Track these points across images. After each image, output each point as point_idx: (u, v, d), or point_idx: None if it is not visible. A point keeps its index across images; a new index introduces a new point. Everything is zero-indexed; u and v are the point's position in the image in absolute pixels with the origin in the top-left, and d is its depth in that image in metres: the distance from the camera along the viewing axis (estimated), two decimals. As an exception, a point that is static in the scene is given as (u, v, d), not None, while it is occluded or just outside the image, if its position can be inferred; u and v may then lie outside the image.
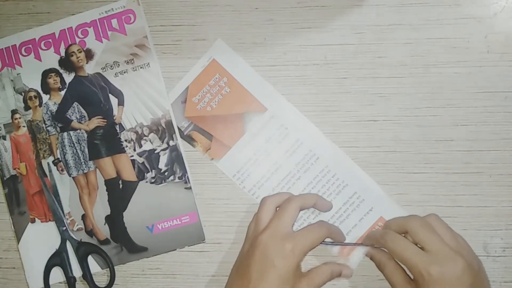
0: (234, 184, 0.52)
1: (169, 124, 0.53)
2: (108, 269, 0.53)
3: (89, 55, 0.54)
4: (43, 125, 0.55)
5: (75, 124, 0.54)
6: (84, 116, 0.54)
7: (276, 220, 0.46)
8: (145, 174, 0.53)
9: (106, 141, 0.54)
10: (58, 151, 0.54)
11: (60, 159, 0.54)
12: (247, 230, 0.49)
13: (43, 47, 0.55)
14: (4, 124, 0.55)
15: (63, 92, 0.55)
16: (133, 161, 0.54)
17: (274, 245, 0.44)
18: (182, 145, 0.53)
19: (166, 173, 0.53)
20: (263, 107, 0.52)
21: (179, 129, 0.53)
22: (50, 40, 0.55)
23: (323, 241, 0.47)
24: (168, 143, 0.53)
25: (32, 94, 0.55)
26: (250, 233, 0.48)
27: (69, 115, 0.54)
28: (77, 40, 0.54)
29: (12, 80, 0.55)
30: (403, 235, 0.45)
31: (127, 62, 0.54)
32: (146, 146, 0.54)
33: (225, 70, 0.53)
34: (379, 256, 0.47)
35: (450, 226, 0.45)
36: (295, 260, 0.44)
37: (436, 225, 0.44)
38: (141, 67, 0.54)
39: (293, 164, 0.52)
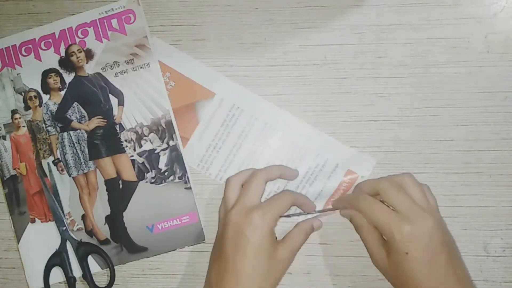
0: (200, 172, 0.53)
1: (169, 124, 0.53)
2: (108, 269, 0.53)
3: (89, 55, 0.54)
4: (43, 125, 0.55)
5: (75, 124, 0.54)
6: (84, 116, 0.54)
7: (242, 196, 0.47)
8: (145, 174, 0.53)
9: (106, 141, 0.54)
10: (58, 151, 0.54)
11: (60, 159, 0.54)
12: (218, 215, 0.49)
13: (43, 47, 0.55)
14: (4, 124, 0.55)
15: (63, 92, 0.55)
16: (133, 161, 0.54)
17: (243, 219, 0.45)
18: (182, 145, 0.53)
19: (166, 173, 0.53)
20: (211, 93, 0.53)
21: None
22: (50, 40, 0.55)
23: (298, 213, 0.49)
24: (168, 143, 0.53)
25: (32, 94, 0.55)
26: (221, 215, 0.49)
27: (69, 115, 0.54)
28: (77, 40, 0.54)
29: (12, 80, 0.55)
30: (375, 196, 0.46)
31: (127, 62, 0.54)
32: (146, 146, 0.54)
33: (165, 65, 0.53)
34: (357, 218, 0.47)
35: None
36: (266, 229, 0.45)
37: (407, 184, 0.45)
38: (141, 67, 0.54)
39: (252, 140, 0.52)
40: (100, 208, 0.54)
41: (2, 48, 0.55)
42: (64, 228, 0.54)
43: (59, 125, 0.55)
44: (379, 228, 0.44)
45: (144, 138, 0.54)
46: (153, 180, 0.53)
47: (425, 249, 0.42)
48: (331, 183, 0.51)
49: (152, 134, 0.54)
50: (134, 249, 0.53)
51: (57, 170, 0.54)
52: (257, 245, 0.44)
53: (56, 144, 0.55)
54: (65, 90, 0.55)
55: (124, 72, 0.54)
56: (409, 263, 0.42)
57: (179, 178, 0.53)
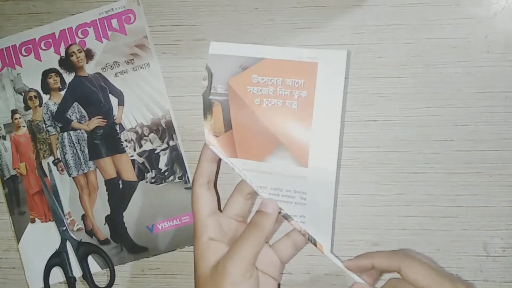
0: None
1: (169, 124, 0.53)
2: (108, 269, 0.53)
3: (89, 55, 0.54)
4: (43, 125, 0.55)
5: (75, 124, 0.54)
6: (84, 116, 0.54)
7: None
8: (145, 174, 0.53)
9: (106, 141, 0.54)
10: (58, 151, 0.54)
11: (60, 159, 0.54)
12: None
13: (43, 47, 0.55)
14: (4, 124, 0.55)
15: (63, 92, 0.55)
16: (133, 161, 0.54)
17: None
18: (182, 145, 0.53)
19: (166, 173, 0.53)
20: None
21: (211, 85, 0.43)
22: (50, 40, 0.55)
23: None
24: (168, 143, 0.53)
25: (32, 94, 0.55)
26: None
27: (69, 115, 0.54)
28: (77, 40, 0.54)
29: (12, 80, 0.55)
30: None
31: (127, 62, 0.54)
32: (146, 146, 0.54)
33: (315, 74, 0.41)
34: None
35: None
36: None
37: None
38: (141, 67, 0.54)
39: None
40: (100, 208, 0.54)
41: (2, 48, 0.55)
42: (64, 228, 0.54)
43: (59, 125, 0.55)
44: None
45: (144, 138, 0.54)
46: (153, 180, 0.53)
47: None
48: None
49: (152, 134, 0.54)
50: (134, 249, 0.53)
51: (57, 170, 0.54)
52: None
53: (56, 144, 0.55)
54: (65, 90, 0.55)
55: (124, 72, 0.54)
56: None
57: (179, 178, 0.53)
